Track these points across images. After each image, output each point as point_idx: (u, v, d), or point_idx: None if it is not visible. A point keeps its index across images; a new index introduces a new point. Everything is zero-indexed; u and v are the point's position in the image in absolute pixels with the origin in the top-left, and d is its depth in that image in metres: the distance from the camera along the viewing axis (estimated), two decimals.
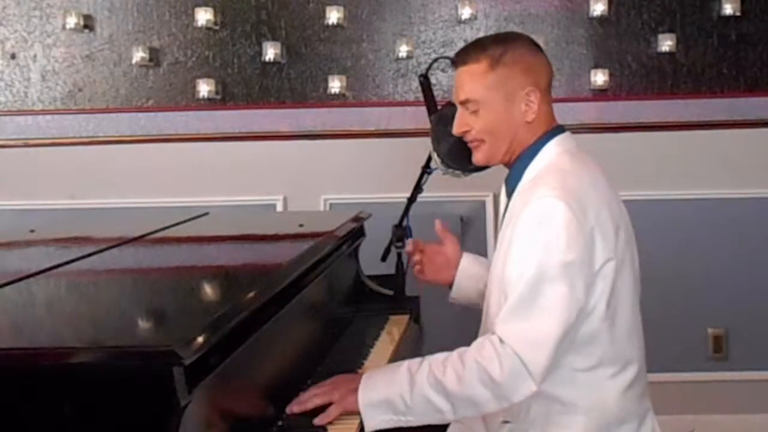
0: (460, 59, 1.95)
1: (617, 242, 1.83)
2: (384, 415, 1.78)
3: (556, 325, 1.73)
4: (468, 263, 2.23)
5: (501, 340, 1.74)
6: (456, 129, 1.98)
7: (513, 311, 1.75)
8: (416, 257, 2.27)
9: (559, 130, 1.94)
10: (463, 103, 1.94)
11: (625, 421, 1.89)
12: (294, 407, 1.80)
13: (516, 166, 1.95)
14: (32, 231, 2.76)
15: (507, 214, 1.94)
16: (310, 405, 1.80)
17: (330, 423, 1.78)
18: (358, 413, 1.79)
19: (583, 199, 1.80)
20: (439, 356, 1.81)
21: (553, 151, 1.91)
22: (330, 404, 1.80)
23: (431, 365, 1.78)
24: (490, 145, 1.94)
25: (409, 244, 2.29)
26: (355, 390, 1.80)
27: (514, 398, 1.74)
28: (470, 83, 1.92)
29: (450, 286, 2.25)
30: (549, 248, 1.75)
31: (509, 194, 1.96)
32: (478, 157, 1.98)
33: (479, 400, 1.74)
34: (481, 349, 1.76)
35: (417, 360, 1.82)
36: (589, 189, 1.84)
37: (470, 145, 1.98)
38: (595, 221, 1.80)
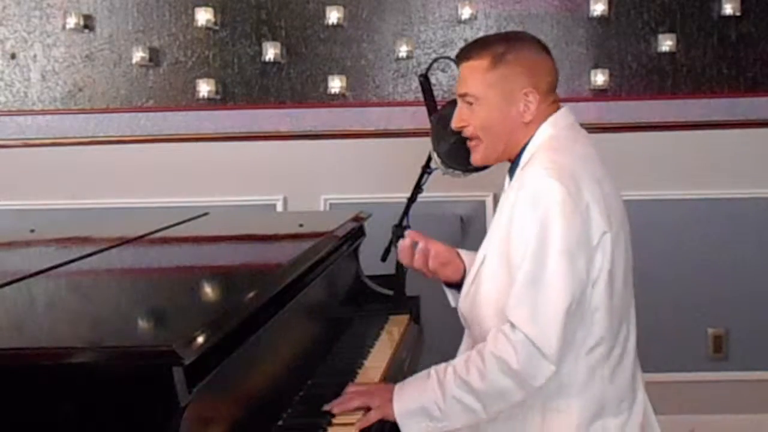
0: (463, 54, 1.97)
1: (611, 215, 1.85)
2: (421, 423, 1.82)
3: (561, 304, 1.75)
4: (470, 257, 2.16)
5: (512, 327, 1.76)
6: (454, 123, 2.00)
7: (519, 297, 1.78)
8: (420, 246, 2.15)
9: (554, 112, 1.94)
10: (463, 96, 1.96)
11: (621, 400, 1.90)
12: (335, 408, 1.83)
13: (516, 159, 1.96)
14: (32, 231, 2.76)
15: (502, 197, 1.96)
16: (351, 406, 1.84)
17: (330, 424, 1.79)
18: (394, 422, 1.83)
19: (576, 175, 1.82)
20: (462, 357, 1.85)
21: (547, 131, 1.92)
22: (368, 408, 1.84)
23: (455, 367, 1.82)
24: (487, 143, 1.95)
25: (407, 237, 2.19)
26: (392, 399, 1.84)
27: (536, 382, 1.77)
28: (471, 78, 1.93)
29: (448, 284, 2.16)
30: (546, 230, 1.77)
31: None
32: (475, 158, 1.99)
33: (505, 391, 1.78)
34: (495, 341, 1.78)
35: (443, 365, 1.86)
36: (581, 164, 1.86)
37: (469, 144, 1.99)
38: (590, 196, 1.81)
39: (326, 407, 1.84)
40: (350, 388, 1.90)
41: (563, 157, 1.85)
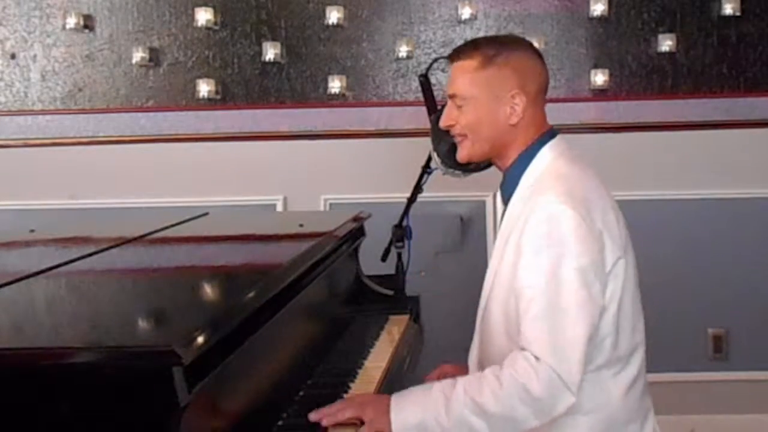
0: (455, 54, 1.97)
1: (622, 240, 1.85)
2: None
3: (582, 331, 1.73)
4: None
5: (535, 357, 1.72)
6: (442, 122, 2.01)
7: (538, 324, 1.74)
8: None
9: (550, 134, 1.95)
10: (452, 96, 1.96)
11: (629, 421, 1.89)
12: (324, 419, 1.76)
13: (510, 173, 1.95)
14: (32, 231, 2.76)
15: (506, 221, 1.93)
16: (341, 417, 1.76)
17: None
18: None
19: (588, 203, 1.81)
20: (473, 377, 1.80)
21: (548, 156, 1.91)
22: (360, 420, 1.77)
23: (465, 387, 1.76)
24: (473, 142, 1.95)
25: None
26: (387, 412, 1.76)
27: (555, 412, 1.73)
28: (460, 78, 1.94)
29: None
30: (562, 254, 1.75)
31: (506, 201, 1.96)
32: (461, 154, 1.99)
33: (519, 418, 1.73)
34: (516, 366, 1.73)
35: (449, 381, 1.80)
36: (592, 191, 1.85)
37: (456, 141, 1.99)
38: (602, 223, 1.81)
39: (314, 417, 1.76)
40: (341, 401, 1.82)
41: (572, 183, 1.84)
